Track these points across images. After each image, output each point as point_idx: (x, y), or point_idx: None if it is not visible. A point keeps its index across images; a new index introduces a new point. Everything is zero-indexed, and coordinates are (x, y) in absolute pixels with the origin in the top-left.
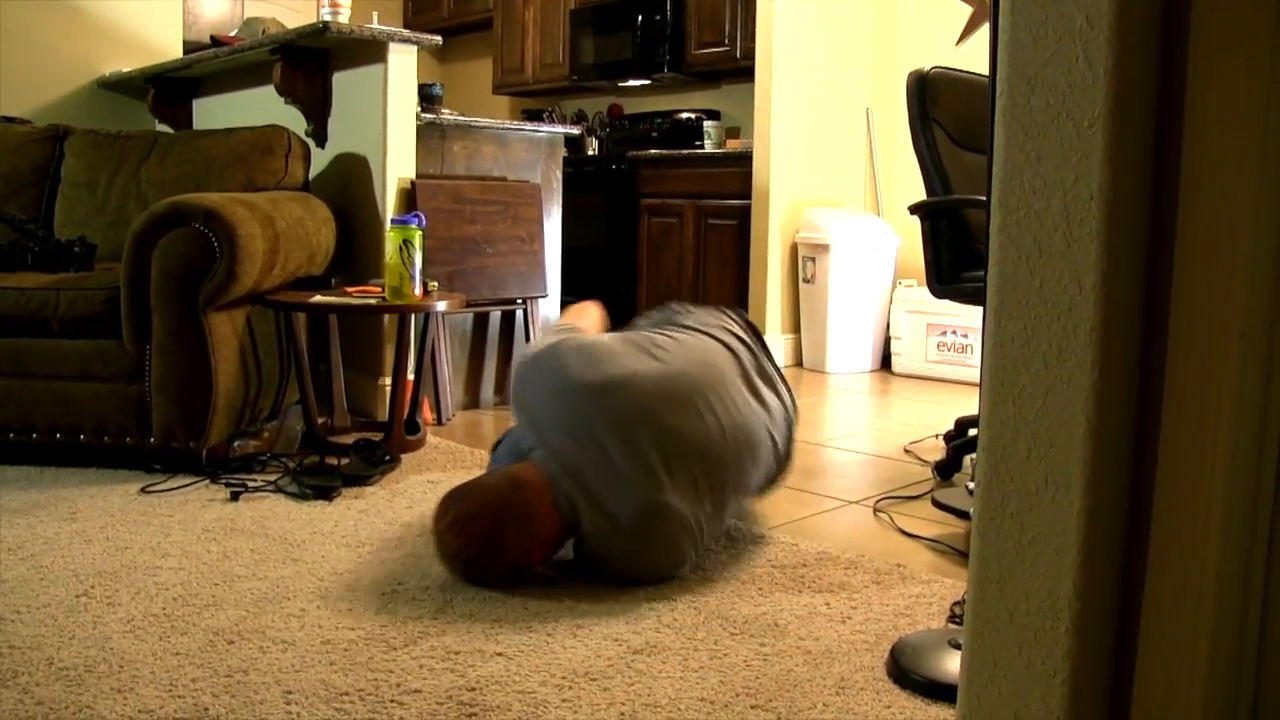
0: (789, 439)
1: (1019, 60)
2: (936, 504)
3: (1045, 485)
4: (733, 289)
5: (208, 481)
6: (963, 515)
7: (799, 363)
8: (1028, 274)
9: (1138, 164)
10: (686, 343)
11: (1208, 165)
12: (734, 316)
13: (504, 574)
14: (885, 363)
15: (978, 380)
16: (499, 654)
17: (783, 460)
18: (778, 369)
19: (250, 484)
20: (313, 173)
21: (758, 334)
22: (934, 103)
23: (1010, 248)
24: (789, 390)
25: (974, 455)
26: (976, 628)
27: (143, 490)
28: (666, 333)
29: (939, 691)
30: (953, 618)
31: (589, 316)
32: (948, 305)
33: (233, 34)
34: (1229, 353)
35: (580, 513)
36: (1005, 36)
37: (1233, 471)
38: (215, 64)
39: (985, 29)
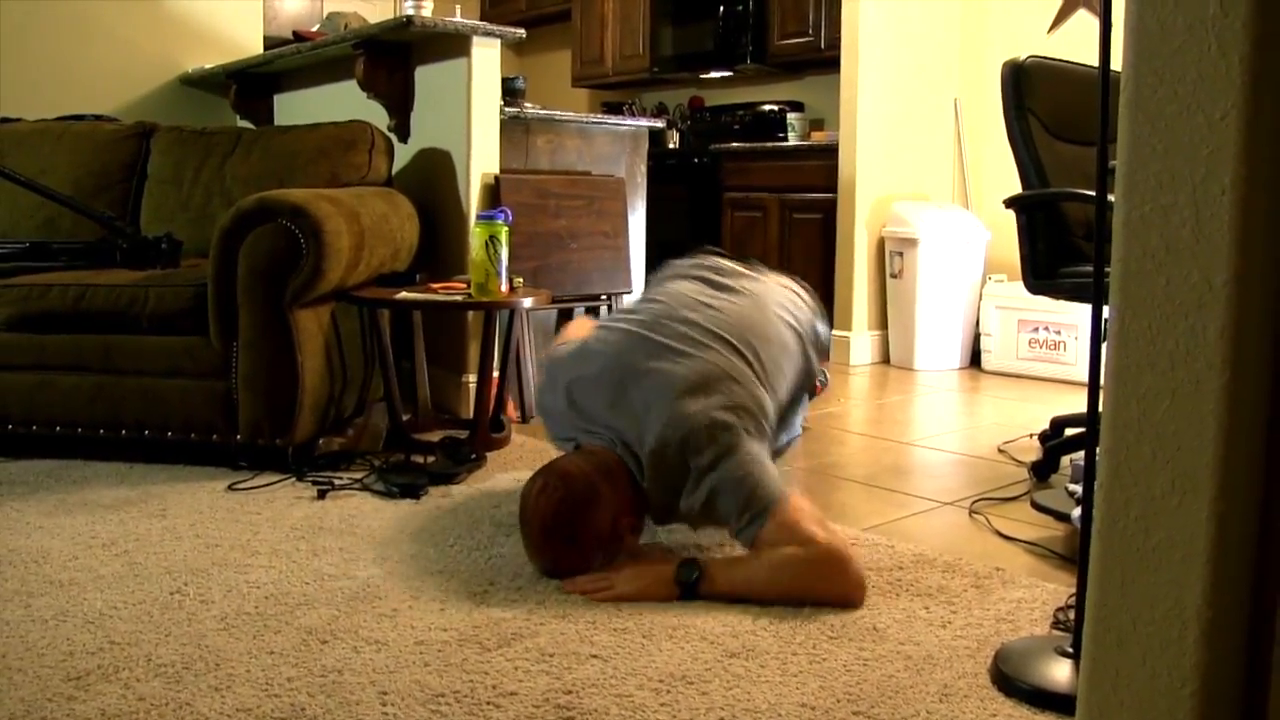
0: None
1: (1146, 50)
2: (1036, 506)
3: (1172, 489)
4: (818, 284)
5: (294, 479)
6: (1062, 518)
7: (886, 359)
8: (1154, 270)
9: (1273, 157)
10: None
11: None
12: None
13: (601, 537)
14: (975, 360)
15: (1071, 378)
16: (594, 656)
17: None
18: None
19: (336, 482)
20: (395, 168)
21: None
22: (1030, 93)
23: (1135, 243)
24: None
25: (1073, 456)
26: (1097, 635)
27: (230, 487)
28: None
29: (1046, 700)
30: (1057, 624)
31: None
32: (1040, 301)
33: (314, 29)
34: None
35: (638, 458)
36: (1131, 24)
37: None
38: (297, 59)
39: (1078, 15)
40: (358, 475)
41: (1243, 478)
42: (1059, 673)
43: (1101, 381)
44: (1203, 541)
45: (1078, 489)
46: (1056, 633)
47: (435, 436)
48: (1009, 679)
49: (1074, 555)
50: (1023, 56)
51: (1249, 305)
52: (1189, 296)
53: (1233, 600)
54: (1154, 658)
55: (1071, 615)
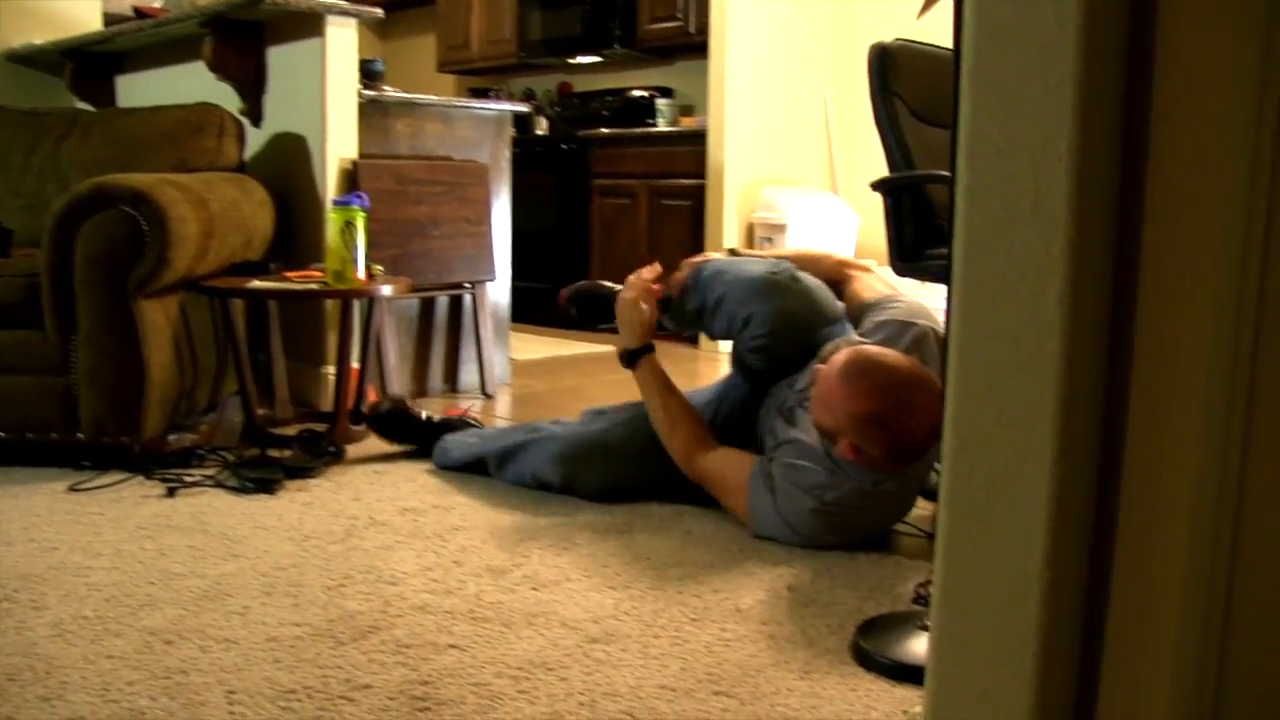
0: None
1: (986, 20)
2: None
3: (1014, 456)
4: None
5: (142, 477)
6: (928, 496)
7: None
8: (995, 238)
9: (1108, 124)
10: None
11: (1179, 125)
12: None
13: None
14: None
15: None
16: (452, 646)
17: None
18: None
19: (187, 479)
20: (249, 153)
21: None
22: (895, 76)
23: (977, 211)
24: None
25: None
26: (946, 603)
27: (71, 488)
28: None
29: (905, 673)
30: (918, 599)
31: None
32: (909, 284)
33: (157, 4)
34: (1199, 322)
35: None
36: None
37: (1202, 441)
38: (140, 37)
39: (945, 1)
40: (210, 471)
41: (1081, 445)
42: (917, 646)
43: None
44: (1044, 507)
45: None
46: (917, 608)
47: (294, 430)
48: (869, 655)
49: None
50: (889, 39)
51: (1086, 272)
52: (1029, 264)
53: (1071, 563)
54: (999, 621)
55: (931, 590)
